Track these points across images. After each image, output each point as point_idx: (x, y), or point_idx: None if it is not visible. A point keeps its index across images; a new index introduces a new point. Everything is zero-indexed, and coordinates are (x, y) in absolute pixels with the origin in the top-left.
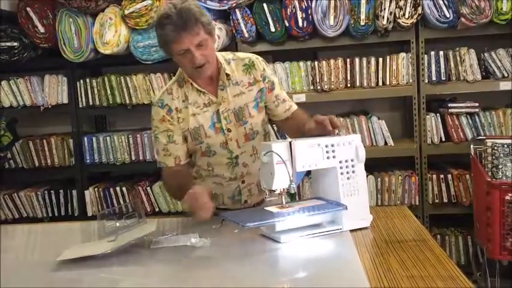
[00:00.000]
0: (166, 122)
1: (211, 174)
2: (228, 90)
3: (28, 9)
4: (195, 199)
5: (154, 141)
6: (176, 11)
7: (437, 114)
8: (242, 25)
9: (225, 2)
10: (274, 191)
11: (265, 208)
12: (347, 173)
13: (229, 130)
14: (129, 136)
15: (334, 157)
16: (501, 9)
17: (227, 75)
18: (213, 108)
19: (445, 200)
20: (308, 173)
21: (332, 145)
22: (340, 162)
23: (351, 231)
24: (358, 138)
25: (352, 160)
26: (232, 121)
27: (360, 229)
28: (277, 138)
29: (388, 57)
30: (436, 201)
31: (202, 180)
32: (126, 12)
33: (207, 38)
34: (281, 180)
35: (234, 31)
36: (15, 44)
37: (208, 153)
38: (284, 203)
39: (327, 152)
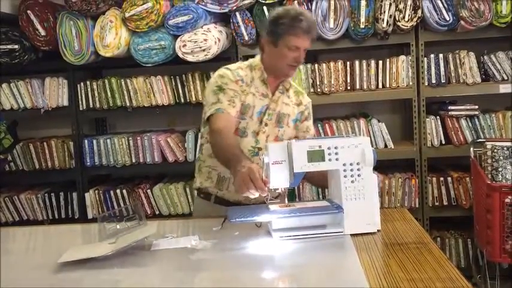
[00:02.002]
0: (238, 86)
1: None
2: (282, 96)
3: (29, 12)
4: (254, 179)
5: (216, 93)
6: (307, 18)
7: (437, 117)
8: (242, 28)
9: (226, 5)
10: (276, 189)
11: (268, 206)
12: (351, 176)
13: (266, 125)
14: (130, 138)
15: (337, 159)
16: (501, 12)
17: (290, 84)
18: (266, 102)
19: (445, 203)
20: None
21: (335, 147)
22: (344, 165)
23: (355, 235)
24: (367, 141)
25: (358, 163)
26: (273, 119)
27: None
28: None
29: (388, 59)
30: (436, 203)
31: None
32: (127, 15)
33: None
34: (278, 180)
35: (234, 34)
36: (16, 46)
37: (241, 133)
38: (286, 201)
39: (329, 154)
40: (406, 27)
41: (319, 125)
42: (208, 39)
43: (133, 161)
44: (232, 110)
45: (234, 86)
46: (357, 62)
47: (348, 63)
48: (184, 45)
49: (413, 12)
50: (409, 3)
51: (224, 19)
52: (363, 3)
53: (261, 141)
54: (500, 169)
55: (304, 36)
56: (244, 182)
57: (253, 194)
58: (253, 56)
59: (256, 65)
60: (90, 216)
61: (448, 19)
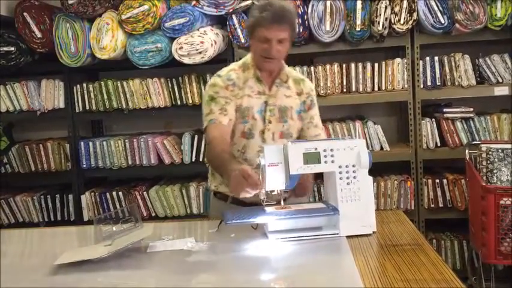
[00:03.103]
0: (229, 91)
1: (242, 157)
2: (281, 89)
3: (25, 14)
4: (247, 176)
5: (209, 103)
6: (278, 6)
7: (433, 119)
8: (239, 30)
9: (222, 7)
10: (272, 191)
11: (265, 208)
12: (347, 178)
13: (270, 122)
14: (126, 141)
15: (332, 162)
16: (495, 15)
17: (287, 76)
18: (264, 99)
19: (441, 205)
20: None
21: (331, 149)
22: (340, 167)
23: (350, 236)
24: (362, 143)
25: (353, 165)
26: (275, 115)
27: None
28: None
29: (383, 62)
30: (432, 205)
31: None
32: (123, 17)
33: (287, 39)
34: (273, 182)
35: (230, 36)
36: (12, 48)
37: (248, 136)
38: (282, 203)
39: (325, 156)
40: (401, 30)
41: None
42: (205, 41)
43: (130, 163)
44: (224, 119)
45: (224, 93)
46: (352, 65)
47: (344, 65)
48: (181, 48)
49: (408, 15)
50: (404, 6)
51: (221, 22)
52: (359, 6)
53: (267, 139)
54: (495, 171)
55: (273, 26)
56: (238, 181)
57: (249, 193)
58: None
59: (249, 62)
60: (86, 218)
61: (443, 22)
